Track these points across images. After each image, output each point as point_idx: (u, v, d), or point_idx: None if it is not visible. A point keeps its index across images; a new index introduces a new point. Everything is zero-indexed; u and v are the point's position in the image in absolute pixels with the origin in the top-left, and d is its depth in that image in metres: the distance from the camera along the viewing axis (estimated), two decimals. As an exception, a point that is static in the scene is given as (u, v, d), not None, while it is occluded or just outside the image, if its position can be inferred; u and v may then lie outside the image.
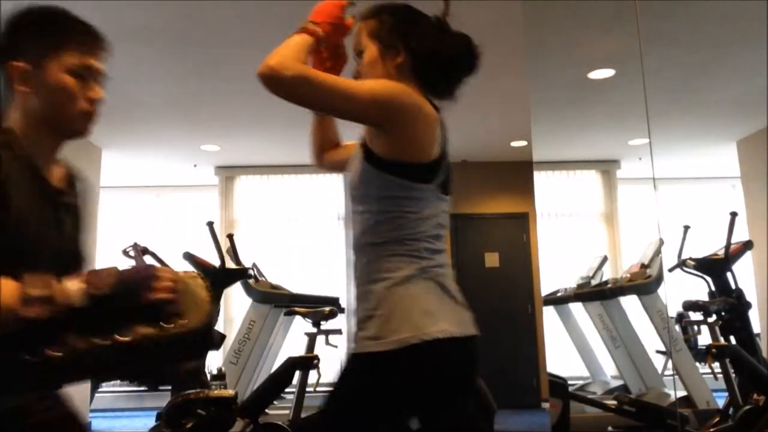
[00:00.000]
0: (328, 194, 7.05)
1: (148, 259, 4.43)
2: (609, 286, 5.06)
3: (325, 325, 4.24)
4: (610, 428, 4.30)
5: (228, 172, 7.02)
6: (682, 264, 4.62)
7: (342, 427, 1.34)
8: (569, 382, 4.40)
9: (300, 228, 6.98)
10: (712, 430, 3.89)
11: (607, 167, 6.55)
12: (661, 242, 4.82)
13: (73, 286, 1.00)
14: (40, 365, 0.94)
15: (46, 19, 1.23)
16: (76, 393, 4.93)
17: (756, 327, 4.78)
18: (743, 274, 4.82)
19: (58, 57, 1.20)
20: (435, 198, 1.39)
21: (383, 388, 1.31)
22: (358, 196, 1.41)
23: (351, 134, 1.62)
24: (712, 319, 4.16)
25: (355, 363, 1.37)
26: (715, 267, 4.47)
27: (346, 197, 1.46)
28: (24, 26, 1.21)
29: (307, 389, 4.14)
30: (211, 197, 7.14)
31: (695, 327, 4.73)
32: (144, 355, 1.02)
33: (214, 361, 5.52)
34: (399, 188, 1.35)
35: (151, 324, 1.01)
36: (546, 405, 5.79)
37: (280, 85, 1.28)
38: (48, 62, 1.18)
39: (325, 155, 1.70)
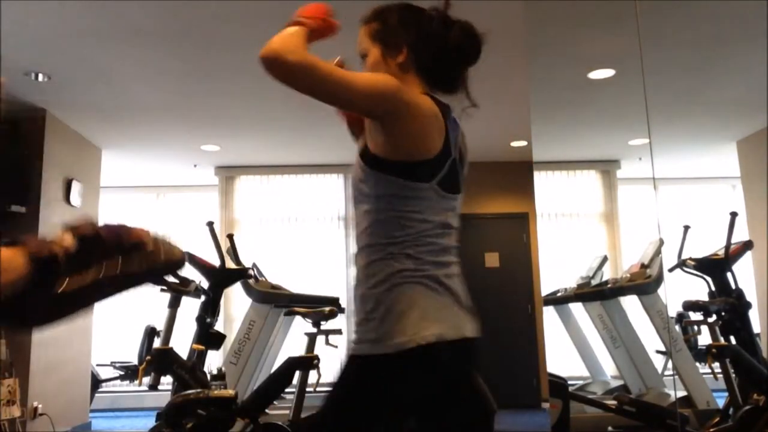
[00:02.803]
0: (328, 194, 7.06)
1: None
2: (609, 286, 5.06)
3: (325, 325, 4.24)
4: (610, 428, 4.30)
5: (228, 172, 7.02)
6: (682, 264, 4.62)
7: (338, 429, 1.34)
8: (569, 382, 4.40)
9: (300, 228, 6.98)
10: (712, 430, 3.89)
11: (607, 167, 6.55)
12: (661, 242, 4.82)
13: (65, 234, 1.07)
14: (58, 298, 1.05)
15: None
16: (76, 393, 4.93)
17: (756, 327, 4.77)
18: (743, 274, 4.81)
19: None
20: (437, 197, 1.36)
21: (379, 391, 1.31)
22: (357, 196, 1.40)
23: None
24: (712, 319, 4.16)
25: (352, 365, 1.36)
26: (715, 267, 4.47)
27: (351, 194, 1.46)
28: None
29: (307, 389, 4.14)
30: (211, 197, 7.14)
31: (695, 327, 4.74)
32: (133, 279, 1.13)
33: (214, 361, 5.52)
34: (396, 187, 1.33)
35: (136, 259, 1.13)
36: (546, 405, 5.79)
37: (284, 69, 1.28)
38: None
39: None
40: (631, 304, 5.01)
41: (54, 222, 5.11)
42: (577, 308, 5.43)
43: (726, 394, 4.04)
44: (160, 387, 4.27)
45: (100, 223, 1.14)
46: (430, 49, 1.44)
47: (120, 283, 1.12)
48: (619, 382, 5.23)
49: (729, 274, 4.44)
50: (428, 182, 1.35)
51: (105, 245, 1.10)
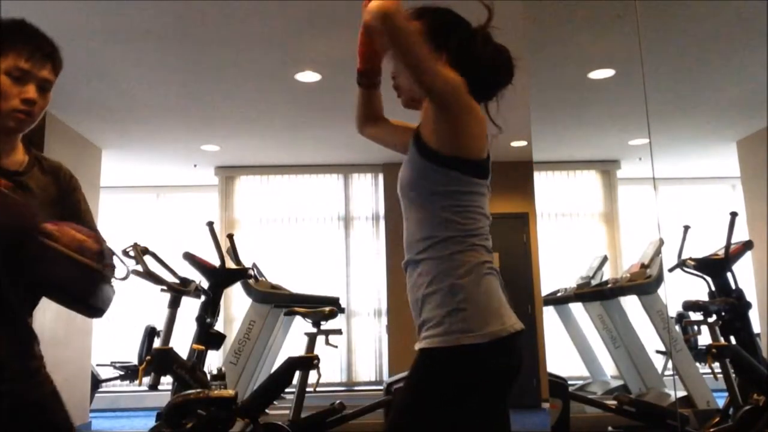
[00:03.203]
0: (328, 194, 7.06)
1: (149, 260, 4.43)
2: (609, 286, 5.06)
3: (325, 325, 4.24)
4: (610, 428, 4.30)
5: (228, 172, 7.02)
6: (682, 264, 4.62)
7: (431, 418, 1.33)
8: (569, 382, 4.39)
9: (300, 228, 6.99)
10: (712, 430, 3.89)
11: (607, 167, 6.55)
12: (661, 242, 4.82)
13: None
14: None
15: None
16: (76, 393, 4.93)
17: (756, 327, 4.77)
18: (743, 274, 4.81)
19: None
20: (488, 194, 1.46)
21: (471, 378, 1.33)
22: (416, 194, 1.42)
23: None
24: (712, 319, 4.16)
25: (439, 355, 1.35)
26: (715, 267, 4.47)
27: (401, 196, 1.47)
28: None
29: (307, 389, 4.14)
30: (211, 197, 7.14)
31: (695, 327, 4.73)
32: None
33: (214, 361, 5.52)
34: (461, 183, 1.39)
35: None
36: (546, 405, 5.79)
37: (393, 25, 1.31)
38: None
39: (368, 124, 1.74)
40: (631, 304, 5.01)
41: (54, 222, 5.11)
42: (577, 308, 5.43)
43: (726, 394, 4.04)
44: (160, 387, 4.26)
45: None
46: (466, 61, 1.46)
47: None
48: (619, 382, 5.23)
49: (729, 274, 4.43)
50: (486, 180, 1.44)
51: None
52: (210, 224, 4.77)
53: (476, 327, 1.32)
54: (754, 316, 4.57)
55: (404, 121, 1.69)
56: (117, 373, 6.15)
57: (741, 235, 4.89)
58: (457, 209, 1.39)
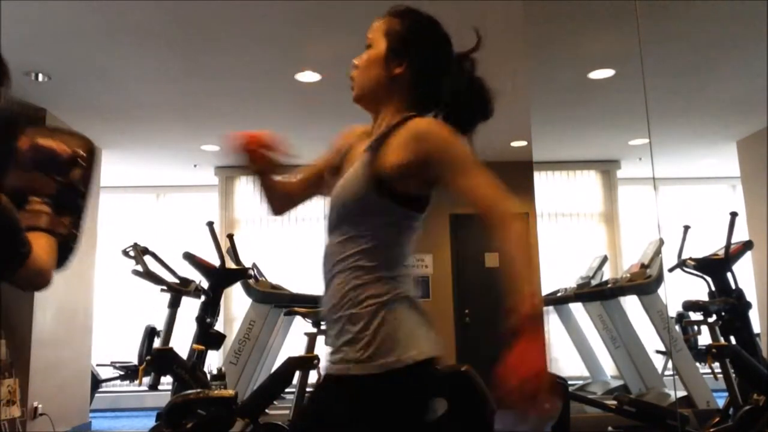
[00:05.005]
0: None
1: (148, 260, 4.43)
2: (609, 286, 5.06)
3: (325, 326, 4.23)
4: (610, 428, 4.30)
5: (228, 172, 7.02)
6: (682, 264, 4.62)
7: None
8: (569, 382, 4.40)
9: (300, 228, 6.98)
10: (712, 430, 3.89)
11: (607, 167, 6.55)
12: (661, 242, 4.82)
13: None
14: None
15: None
16: (76, 393, 4.93)
17: (756, 327, 4.77)
18: (743, 274, 4.81)
19: None
20: (420, 225, 1.39)
21: (367, 411, 1.28)
22: (353, 220, 1.35)
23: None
24: (712, 319, 4.16)
25: (335, 385, 1.34)
26: (715, 267, 4.47)
27: (332, 212, 1.40)
28: None
29: (307, 389, 4.14)
30: (211, 197, 7.14)
31: (695, 327, 4.74)
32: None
33: (214, 361, 5.53)
34: (404, 218, 1.35)
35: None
36: (546, 405, 5.78)
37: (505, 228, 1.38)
38: None
39: (285, 204, 1.69)
40: (631, 304, 5.01)
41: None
42: (577, 308, 5.43)
43: (726, 394, 4.04)
44: (160, 387, 4.27)
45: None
46: (427, 80, 1.41)
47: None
48: (619, 382, 5.23)
49: (729, 274, 4.44)
50: (423, 212, 1.38)
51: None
52: (210, 224, 4.77)
53: (370, 358, 1.29)
54: (754, 316, 4.57)
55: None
56: (117, 373, 6.14)
57: (741, 235, 4.89)
58: (386, 241, 1.34)
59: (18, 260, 1.10)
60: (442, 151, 1.33)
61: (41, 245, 1.17)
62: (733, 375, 3.99)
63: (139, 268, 4.33)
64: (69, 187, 1.28)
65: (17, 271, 1.11)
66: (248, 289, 5.06)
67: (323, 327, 4.24)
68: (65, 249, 1.26)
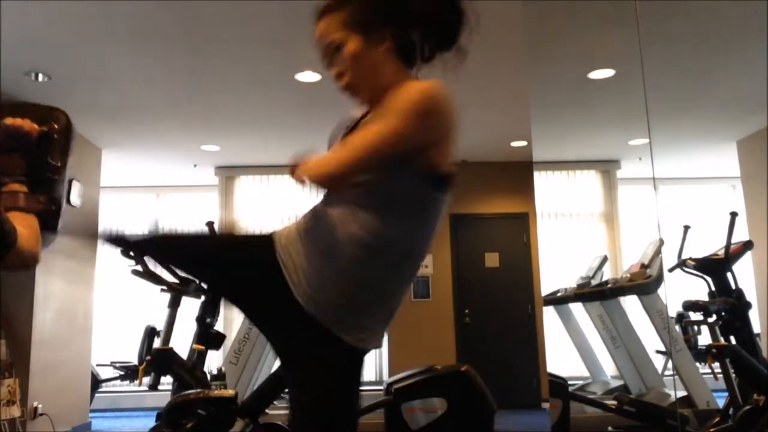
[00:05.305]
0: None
1: (149, 260, 4.42)
2: (609, 286, 5.05)
3: (325, 325, 4.23)
4: (610, 428, 4.29)
5: (228, 172, 7.02)
6: (682, 264, 4.62)
7: None
8: (569, 382, 4.39)
9: (300, 228, 6.98)
10: (712, 430, 3.89)
11: (607, 167, 6.55)
12: (661, 242, 4.82)
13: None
14: None
15: None
16: (76, 393, 4.92)
17: (756, 327, 4.77)
18: (743, 274, 4.81)
19: None
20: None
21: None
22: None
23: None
24: (712, 319, 4.16)
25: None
26: (715, 267, 4.46)
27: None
28: None
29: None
30: (211, 197, 7.14)
31: (695, 327, 4.73)
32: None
33: (214, 361, 5.52)
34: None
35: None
36: (546, 405, 5.79)
37: (344, 178, 1.29)
38: None
39: None
40: (631, 304, 5.01)
41: (54, 222, 5.11)
42: (577, 308, 5.43)
43: (726, 394, 4.04)
44: (160, 387, 4.27)
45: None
46: (413, 32, 1.39)
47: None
48: (619, 382, 5.22)
49: (729, 274, 4.43)
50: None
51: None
52: (210, 224, 4.76)
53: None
54: (754, 316, 4.57)
55: None
56: (117, 373, 6.15)
57: (741, 235, 4.89)
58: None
59: (4, 249, 1.12)
60: (392, 99, 1.31)
61: (24, 226, 1.18)
62: (733, 375, 3.98)
63: (139, 268, 4.33)
64: (42, 165, 1.27)
65: (4, 258, 1.13)
66: (248, 289, 5.05)
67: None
68: (47, 225, 1.27)
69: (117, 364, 6.10)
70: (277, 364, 4.59)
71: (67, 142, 1.34)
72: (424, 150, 1.30)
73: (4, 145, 1.23)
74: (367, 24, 1.37)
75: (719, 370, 3.94)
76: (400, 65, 1.40)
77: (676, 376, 4.63)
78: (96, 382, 6.12)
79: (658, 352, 5.30)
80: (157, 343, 4.64)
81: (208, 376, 4.08)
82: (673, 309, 5.10)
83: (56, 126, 1.30)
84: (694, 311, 4.24)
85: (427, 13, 1.39)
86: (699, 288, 4.53)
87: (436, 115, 1.28)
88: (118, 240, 1.52)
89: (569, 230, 6.55)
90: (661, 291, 4.72)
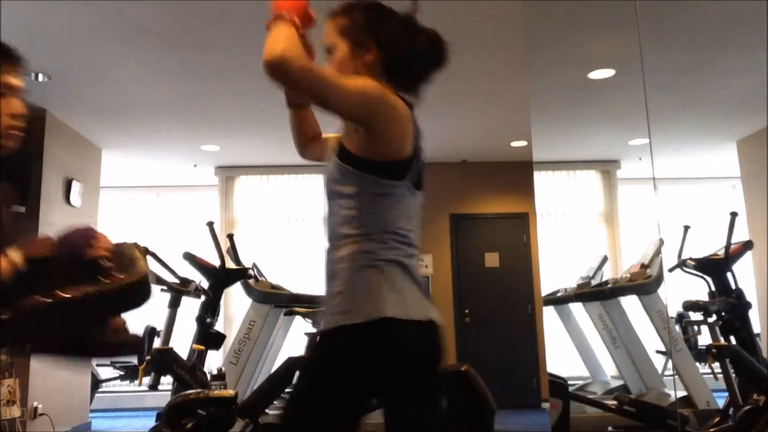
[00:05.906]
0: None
1: (149, 260, 4.43)
2: (609, 286, 5.06)
3: (325, 325, 4.23)
4: (610, 428, 4.30)
5: (228, 172, 7.02)
6: (682, 264, 4.62)
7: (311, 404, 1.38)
8: (569, 382, 4.39)
9: (300, 228, 6.98)
10: (712, 430, 3.89)
11: (607, 167, 6.55)
12: (661, 242, 4.82)
13: (13, 253, 1.05)
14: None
15: None
16: (76, 393, 4.92)
17: (756, 327, 4.77)
18: (743, 274, 4.81)
19: None
20: (408, 193, 1.45)
21: (348, 359, 1.36)
22: (334, 192, 1.46)
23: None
24: (712, 319, 4.16)
25: (322, 339, 1.44)
26: (715, 267, 4.46)
27: (324, 192, 1.51)
28: None
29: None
30: (211, 197, 7.15)
31: (695, 327, 4.73)
32: (86, 311, 1.08)
33: (214, 361, 5.52)
34: (374, 185, 1.41)
35: (91, 282, 1.08)
36: (546, 405, 5.79)
37: (288, 75, 1.30)
38: None
39: (308, 146, 1.80)
40: (631, 304, 5.01)
41: (54, 222, 5.11)
42: (577, 308, 5.43)
43: (726, 394, 4.04)
44: (160, 387, 4.27)
45: (61, 234, 1.12)
46: (397, 53, 1.47)
47: (77, 310, 1.06)
48: (619, 382, 5.23)
49: (729, 274, 4.43)
50: (403, 180, 1.43)
51: (59, 264, 1.06)
52: (210, 224, 4.77)
53: (351, 308, 1.37)
54: (754, 316, 4.57)
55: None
56: (117, 373, 6.15)
57: (741, 235, 4.89)
58: (363, 210, 1.41)
59: None
60: None
61: None
62: (733, 375, 3.99)
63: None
64: (5, 158, 1.26)
65: None
66: (248, 289, 5.06)
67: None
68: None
69: (117, 364, 6.10)
70: (277, 364, 4.60)
71: (32, 131, 1.34)
72: (372, 141, 1.39)
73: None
74: (354, 34, 1.47)
75: (719, 370, 3.94)
76: (384, 81, 1.45)
77: (676, 376, 4.63)
78: (96, 382, 6.12)
79: (658, 352, 5.31)
80: (157, 343, 4.64)
81: (208, 376, 4.08)
82: (673, 309, 5.10)
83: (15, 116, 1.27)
84: (694, 311, 4.24)
85: (408, 40, 1.47)
86: (699, 288, 4.53)
87: (377, 99, 1.37)
88: None
89: (569, 230, 6.55)
90: (661, 291, 4.72)
